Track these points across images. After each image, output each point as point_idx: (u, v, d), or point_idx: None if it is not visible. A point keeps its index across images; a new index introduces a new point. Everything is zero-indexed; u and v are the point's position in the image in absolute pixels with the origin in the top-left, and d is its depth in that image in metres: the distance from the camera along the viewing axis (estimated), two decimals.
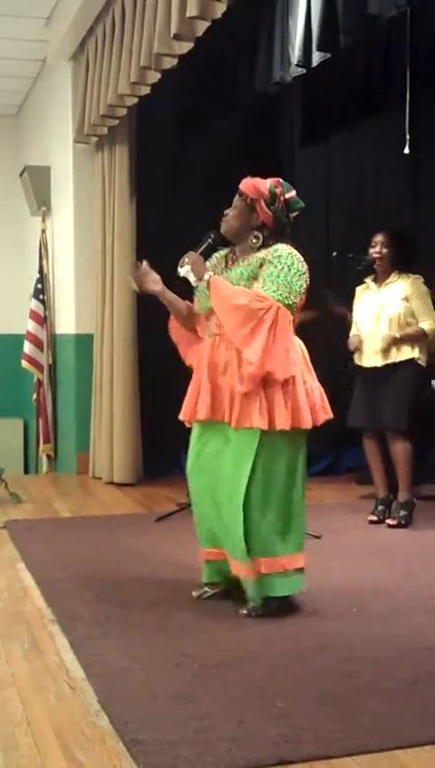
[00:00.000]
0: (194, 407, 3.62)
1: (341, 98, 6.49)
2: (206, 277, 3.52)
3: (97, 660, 3.07)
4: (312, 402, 3.53)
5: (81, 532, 5.14)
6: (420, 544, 4.86)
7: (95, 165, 6.86)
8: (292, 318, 3.49)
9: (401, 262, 5.32)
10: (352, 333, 5.47)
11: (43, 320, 7.73)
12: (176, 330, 3.87)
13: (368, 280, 5.45)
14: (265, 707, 2.69)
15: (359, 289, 5.53)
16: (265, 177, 3.66)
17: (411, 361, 5.23)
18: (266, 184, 3.60)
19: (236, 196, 3.65)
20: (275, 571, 3.51)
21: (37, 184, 7.81)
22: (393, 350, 5.21)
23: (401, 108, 5.26)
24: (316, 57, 4.68)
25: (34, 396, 7.89)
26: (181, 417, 3.70)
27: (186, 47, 4.91)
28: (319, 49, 4.61)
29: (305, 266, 3.53)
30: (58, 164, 7.58)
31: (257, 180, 3.61)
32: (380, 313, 5.26)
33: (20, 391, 8.95)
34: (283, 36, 4.94)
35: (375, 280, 5.39)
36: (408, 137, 5.13)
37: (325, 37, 4.50)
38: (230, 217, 3.65)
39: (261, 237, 3.57)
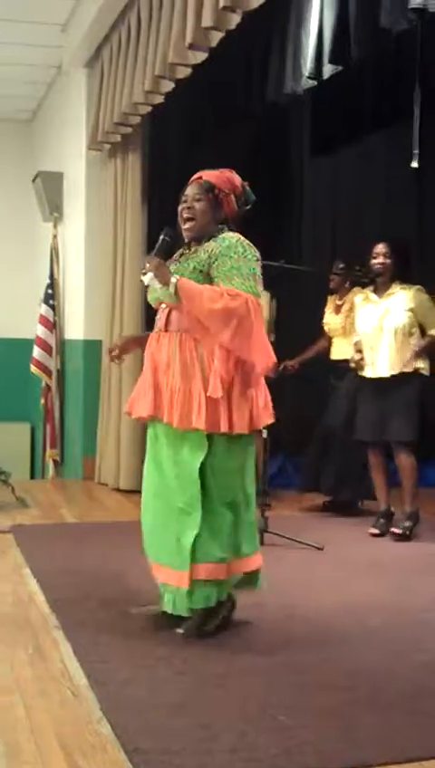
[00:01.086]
0: (136, 403, 3.49)
1: (351, 110, 6.52)
2: (173, 280, 3.28)
3: (100, 668, 3.08)
4: (256, 406, 3.37)
5: (86, 538, 5.16)
6: (422, 557, 4.87)
7: (108, 172, 6.89)
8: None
9: (402, 272, 5.33)
10: (354, 340, 5.47)
11: (53, 325, 7.76)
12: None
13: (367, 291, 5.46)
14: (266, 719, 2.70)
15: (358, 300, 5.53)
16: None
17: (417, 372, 5.24)
18: (238, 178, 3.47)
19: (198, 190, 3.41)
20: (215, 578, 3.36)
21: (50, 190, 7.85)
22: (400, 361, 5.22)
23: (410, 121, 5.28)
24: (328, 70, 4.72)
25: (42, 401, 7.92)
26: (125, 410, 3.61)
27: (200, 57, 4.94)
28: (331, 62, 4.65)
29: (256, 251, 3.38)
30: (71, 170, 7.61)
31: (227, 173, 3.46)
32: (382, 324, 5.26)
33: (28, 396, 8.98)
34: (295, 48, 4.97)
35: (375, 291, 5.39)
36: (416, 151, 5.13)
37: (337, 50, 4.53)
38: (199, 213, 3.40)
39: (224, 229, 3.41)
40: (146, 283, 3.38)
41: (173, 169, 6.85)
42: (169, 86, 5.43)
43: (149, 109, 5.94)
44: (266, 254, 5.69)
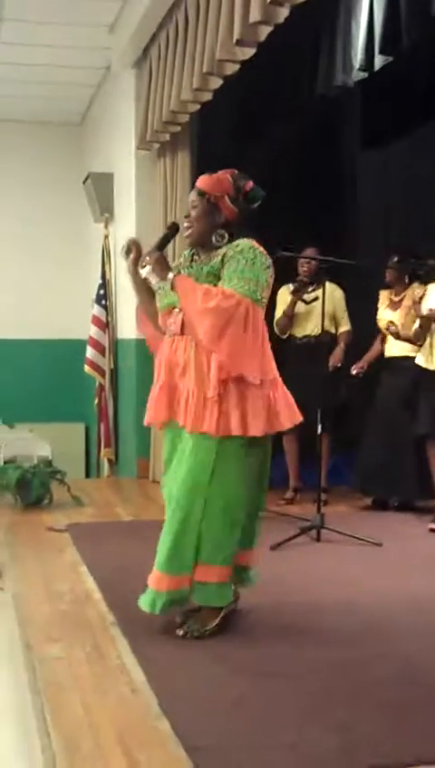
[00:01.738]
0: (153, 409, 3.46)
1: (402, 101, 6.44)
2: (170, 276, 3.27)
3: (157, 664, 3.09)
4: (272, 408, 3.31)
5: (141, 536, 5.13)
6: None
7: (157, 171, 6.90)
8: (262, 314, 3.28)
9: None
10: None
11: (105, 325, 7.80)
12: (144, 324, 3.71)
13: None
14: (324, 715, 2.67)
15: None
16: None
17: None
18: (229, 178, 3.38)
19: (195, 197, 3.39)
20: (216, 581, 3.34)
21: (100, 191, 7.89)
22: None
23: None
24: (378, 61, 4.67)
25: (96, 400, 7.96)
26: (144, 422, 3.55)
27: (248, 53, 4.92)
28: (381, 52, 4.59)
29: (269, 260, 3.31)
30: (121, 171, 7.64)
31: (217, 176, 3.39)
32: None
33: (82, 396, 9.04)
34: (345, 40, 4.93)
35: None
36: None
37: (388, 41, 4.49)
38: (194, 220, 3.38)
39: (226, 235, 3.34)
40: (143, 276, 3.36)
41: (222, 166, 6.81)
42: (217, 83, 5.42)
43: (197, 106, 5.94)
44: (321, 249, 5.71)
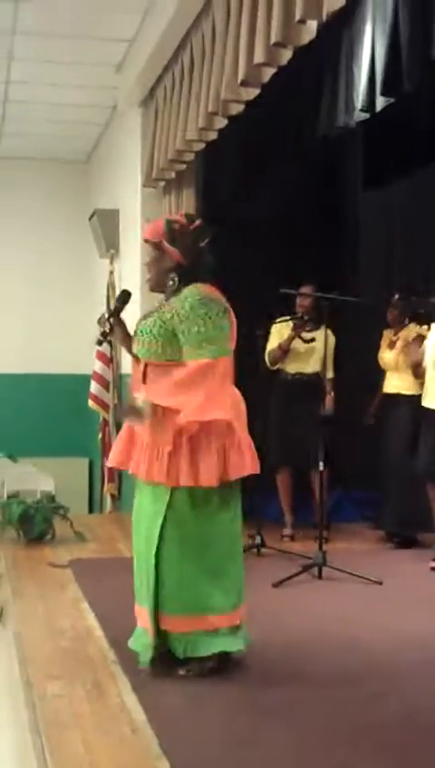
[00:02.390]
0: (112, 452, 3.57)
1: (403, 142, 6.50)
2: (144, 407, 3.33)
3: (159, 703, 3.08)
4: (229, 456, 3.29)
5: None
6: None
7: (163, 208, 6.95)
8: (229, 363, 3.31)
9: None
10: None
11: (110, 360, 7.83)
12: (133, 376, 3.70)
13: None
14: (325, 755, 2.66)
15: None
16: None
17: None
18: (161, 223, 3.47)
19: (148, 246, 3.51)
20: (199, 630, 3.30)
21: (106, 227, 7.95)
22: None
23: None
24: (380, 102, 4.71)
25: (100, 435, 7.97)
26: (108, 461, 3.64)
27: (252, 93, 4.98)
28: (383, 94, 4.64)
29: (222, 302, 3.35)
30: (127, 207, 7.71)
31: (153, 223, 3.54)
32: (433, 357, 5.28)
33: (86, 431, 9.05)
34: (347, 81, 4.98)
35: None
36: None
37: (389, 82, 4.51)
38: (148, 267, 3.52)
39: (177, 278, 3.39)
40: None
41: (227, 204, 6.91)
42: (222, 122, 5.48)
43: (202, 145, 5.99)
44: (322, 288, 5.75)
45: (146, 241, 3.49)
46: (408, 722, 2.95)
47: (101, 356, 7.87)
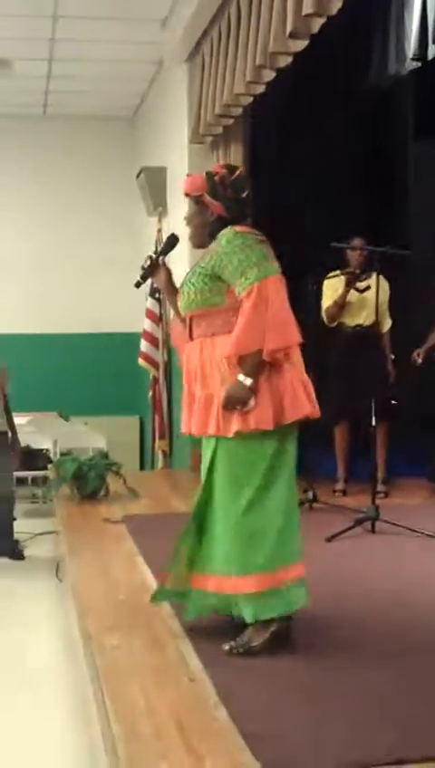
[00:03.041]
0: (182, 420, 3.47)
1: None
2: (247, 383, 3.12)
3: (215, 654, 3.11)
4: (280, 399, 3.16)
5: None
6: None
7: (210, 164, 6.89)
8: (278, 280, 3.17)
9: None
10: None
11: (159, 318, 7.85)
12: (177, 336, 3.62)
13: None
14: (383, 707, 2.68)
15: None
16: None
17: None
18: (203, 175, 3.37)
19: (188, 200, 3.42)
20: (269, 587, 3.14)
21: (154, 185, 7.93)
22: None
23: None
24: (432, 50, 4.63)
25: (150, 393, 8.02)
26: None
27: (301, 45, 4.91)
28: None
29: (255, 232, 3.26)
30: (174, 164, 7.68)
31: (192, 176, 3.44)
32: None
33: (137, 389, 9.11)
34: (398, 30, 4.91)
35: None
36: None
37: None
38: (189, 223, 3.44)
39: (218, 229, 3.30)
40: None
41: (275, 158, 6.85)
42: (270, 75, 5.41)
43: (250, 99, 5.94)
44: (373, 239, 5.69)
45: (186, 195, 3.41)
46: None
47: (150, 314, 7.90)
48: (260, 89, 5.67)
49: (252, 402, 3.12)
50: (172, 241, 3.65)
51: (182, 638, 3.31)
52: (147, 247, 8.59)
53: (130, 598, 3.85)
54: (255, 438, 3.17)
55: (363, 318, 5.96)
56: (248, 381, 3.12)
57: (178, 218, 7.46)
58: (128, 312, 9.12)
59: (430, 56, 4.69)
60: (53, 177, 9.50)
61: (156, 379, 7.92)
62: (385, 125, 7.50)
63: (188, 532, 3.33)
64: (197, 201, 3.37)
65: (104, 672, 3.01)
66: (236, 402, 3.13)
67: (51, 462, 7.08)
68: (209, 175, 3.36)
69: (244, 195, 3.36)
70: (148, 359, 7.90)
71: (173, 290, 3.55)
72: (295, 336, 3.17)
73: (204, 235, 3.38)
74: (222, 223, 3.31)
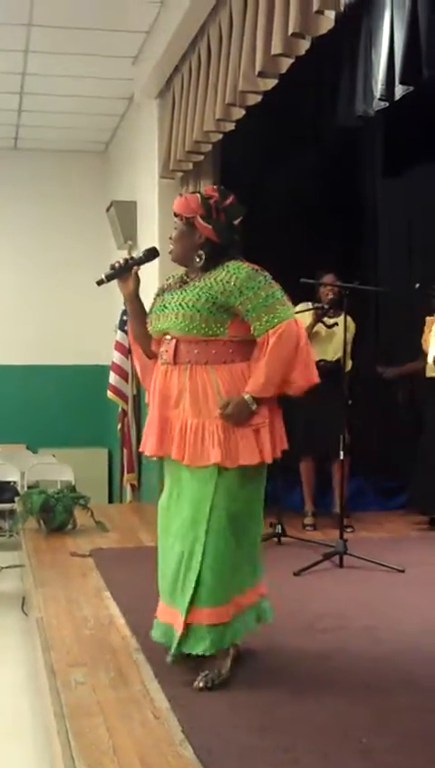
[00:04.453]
0: (146, 439, 3.38)
1: (423, 130, 6.49)
2: (247, 399, 3.17)
3: (180, 689, 3.10)
4: (277, 433, 3.26)
5: None
6: None
7: None
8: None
9: None
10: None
11: (128, 351, 7.85)
12: (137, 354, 3.59)
13: None
14: (349, 742, 2.68)
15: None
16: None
17: None
18: (197, 197, 3.32)
19: (176, 219, 3.37)
20: (218, 622, 3.16)
21: (124, 218, 7.97)
22: None
23: None
24: (399, 90, 4.71)
25: (119, 426, 8.00)
26: (141, 449, 3.46)
27: (270, 84, 4.97)
28: (402, 82, 4.63)
29: (266, 272, 3.28)
30: (144, 199, 7.73)
31: (187, 197, 3.36)
32: None
33: (105, 421, 9.09)
34: (366, 70, 4.99)
35: None
36: None
37: (408, 70, 4.51)
38: (173, 242, 3.37)
39: (203, 255, 3.29)
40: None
41: (245, 194, 6.88)
42: (239, 113, 5.48)
43: (219, 136, 5.99)
44: (342, 275, 5.76)
45: (176, 215, 3.35)
46: (431, 708, 2.96)
47: (119, 347, 7.90)
48: (230, 126, 5.73)
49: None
50: (151, 254, 3.56)
51: (148, 673, 3.29)
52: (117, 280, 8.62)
53: (97, 633, 3.82)
54: (255, 470, 3.23)
55: (330, 354, 6.00)
56: (254, 407, 3.18)
57: None
58: (96, 344, 9.14)
59: (397, 96, 4.77)
60: (23, 209, 9.51)
61: (124, 412, 7.91)
62: (355, 163, 7.61)
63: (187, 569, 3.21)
64: (187, 222, 3.32)
65: (69, 708, 2.98)
66: (235, 422, 3.17)
67: (18, 495, 7.03)
68: (204, 198, 3.31)
69: (235, 222, 3.34)
70: (116, 391, 7.89)
71: (136, 300, 3.52)
72: (317, 375, 3.29)
73: (188, 255, 3.33)
74: (210, 247, 3.29)
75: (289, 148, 6.54)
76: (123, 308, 7.92)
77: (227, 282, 3.21)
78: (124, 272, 3.50)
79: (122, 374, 7.87)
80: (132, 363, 7.79)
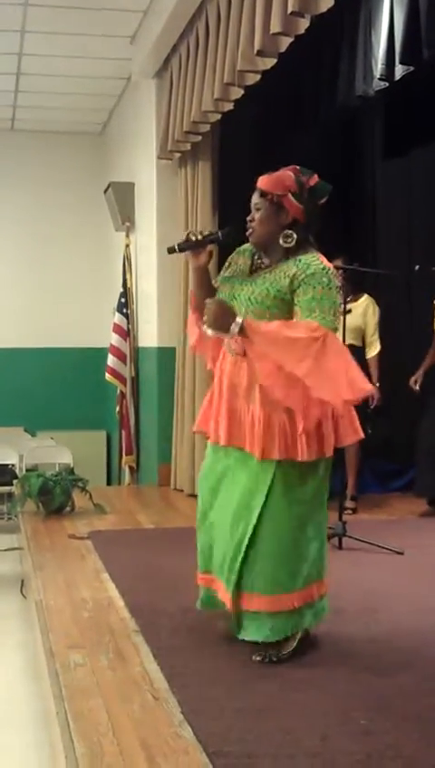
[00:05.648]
0: (215, 428, 3.34)
1: (424, 111, 6.44)
2: (239, 321, 3.05)
3: (180, 671, 3.10)
4: (336, 425, 3.20)
5: (163, 543, 5.20)
6: None
7: (178, 180, 6.94)
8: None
9: None
10: None
11: (127, 333, 7.84)
12: (195, 322, 3.44)
13: None
14: (348, 724, 2.68)
15: None
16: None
17: None
18: (291, 175, 3.17)
19: (258, 198, 3.20)
20: (279, 610, 3.18)
21: (121, 200, 7.94)
22: None
23: None
24: (399, 70, 4.67)
25: (117, 408, 8.00)
26: (194, 428, 3.39)
27: (269, 63, 4.94)
28: (402, 62, 4.60)
29: (338, 279, 3.23)
30: (142, 180, 7.69)
31: (279, 174, 3.19)
32: None
33: (103, 404, 9.09)
34: (365, 50, 4.95)
35: None
36: None
37: (408, 50, 4.48)
38: (257, 224, 3.20)
39: (294, 236, 3.15)
40: (209, 334, 3.18)
41: (243, 176, 6.84)
42: (238, 93, 5.44)
43: (218, 116, 5.96)
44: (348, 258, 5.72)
45: (264, 193, 3.18)
46: (429, 691, 2.96)
47: (118, 329, 7.89)
48: (228, 106, 5.70)
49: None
50: (231, 234, 3.35)
51: (147, 655, 3.29)
52: (115, 261, 8.61)
53: (96, 615, 3.82)
54: (315, 464, 3.19)
55: (346, 341, 5.96)
56: (235, 331, 3.03)
57: (145, 234, 7.52)
58: (95, 326, 9.12)
59: (397, 77, 4.74)
60: (20, 190, 9.47)
61: (123, 394, 7.90)
62: (355, 145, 7.56)
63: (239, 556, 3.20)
64: (275, 201, 3.16)
65: (68, 690, 2.98)
66: (210, 319, 3.07)
67: (16, 477, 7.03)
68: (298, 175, 3.18)
69: (321, 201, 3.23)
70: (115, 373, 7.88)
71: (205, 273, 3.38)
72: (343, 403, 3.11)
73: (273, 237, 3.19)
74: (296, 227, 3.17)
75: (289, 130, 6.49)
76: (121, 290, 7.92)
77: (295, 276, 3.11)
78: (199, 247, 3.34)
79: (121, 356, 7.85)
80: (130, 345, 7.79)
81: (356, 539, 4.90)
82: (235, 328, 3.05)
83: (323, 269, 3.13)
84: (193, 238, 3.36)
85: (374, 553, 4.83)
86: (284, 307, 3.14)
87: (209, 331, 3.15)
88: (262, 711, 2.77)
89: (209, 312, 3.11)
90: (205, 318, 3.13)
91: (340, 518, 4.99)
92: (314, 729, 2.63)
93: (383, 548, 4.86)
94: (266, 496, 3.15)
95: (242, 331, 3.05)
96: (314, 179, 3.22)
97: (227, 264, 3.44)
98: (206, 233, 3.39)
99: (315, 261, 3.15)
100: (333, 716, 2.73)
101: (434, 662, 3.23)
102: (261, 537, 3.16)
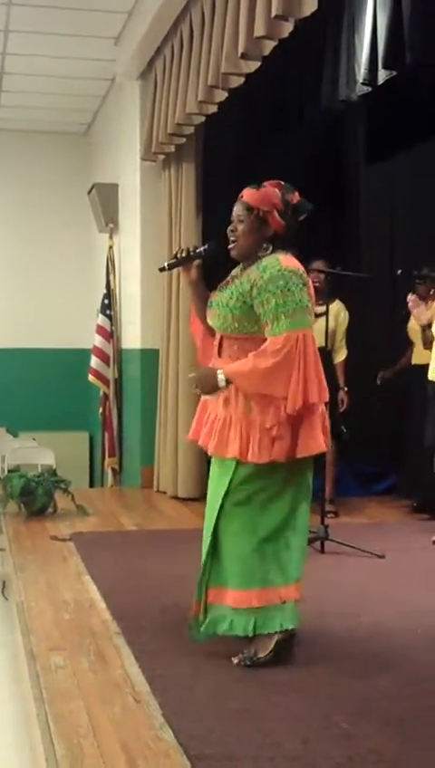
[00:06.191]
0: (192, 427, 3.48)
1: (406, 115, 6.47)
2: (221, 378, 3.17)
3: (161, 674, 3.10)
4: (304, 433, 3.19)
5: (145, 545, 5.19)
6: None
7: (162, 182, 6.94)
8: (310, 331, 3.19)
9: None
10: None
11: (110, 335, 7.84)
12: (199, 333, 3.53)
13: None
14: (329, 727, 2.69)
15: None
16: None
17: None
18: (277, 192, 3.24)
19: (241, 211, 3.26)
20: (239, 606, 3.21)
21: (105, 201, 7.94)
22: None
23: None
24: (382, 75, 4.70)
25: (100, 410, 7.99)
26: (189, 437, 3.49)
27: (253, 66, 4.95)
28: (385, 67, 4.63)
29: (301, 273, 3.19)
30: (126, 181, 7.69)
31: (265, 190, 3.25)
32: None
33: (86, 405, 9.08)
34: (349, 54, 4.97)
35: None
36: None
37: (391, 55, 4.51)
38: (240, 236, 3.26)
39: (271, 248, 3.22)
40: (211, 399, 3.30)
41: (227, 179, 6.87)
42: (222, 96, 5.45)
43: (202, 119, 5.97)
44: (328, 262, 5.73)
45: (250, 208, 3.24)
46: (411, 694, 2.97)
47: (101, 330, 7.88)
48: (212, 108, 5.71)
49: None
50: (215, 249, 3.43)
51: (128, 657, 3.29)
52: (98, 263, 8.59)
53: (77, 617, 3.81)
54: (271, 468, 3.19)
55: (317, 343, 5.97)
56: (223, 383, 3.16)
57: (129, 235, 7.52)
58: (78, 327, 9.11)
59: (380, 81, 4.76)
60: (3, 190, 9.45)
61: (106, 396, 7.90)
62: (338, 149, 7.58)
63: (208, 554, 3.29)
64: (260, 216, 3.23)
65: (48, 692, 2.98)
66: (201, 386, 3.23)
67: None
68: (283, 192, 3.24)
69: (301, 218, 3.29)
70: (98, 375, 7.87)
71: (198, 286, 3.46)
72: (327, 394, 3.23)
73: (254, 249, 3.25)
74: (275, 240, 3.23)
75: (272, 132, 6.51)
76: (104, 291, 7.91)
77: (256, 280, 3.17)
78: (186, 262, 3.46)
79: (104, 358, 7.84)
80: (114, 347, 7.79)
81: (338, 542, 4.92)
82: (221, 382, 3.18)
83: (279, 271, 3.15)
84: (180, 256, 3.47)
85: (356, 557, 4.84)
86: (246, 308, 3.19)
87: (209, 397, 3.30)
88: (243, 714, 2.78)
89: (198, 383, 3.26)
90: (199, 390, 3.28)
91: (322, 521, 5.00)
92: (295, 732, 2.64)
93: (365, 551, 4.87)
94: (223, 497, 3.22)
95: (228, 380, 3.17)
96: (296, 197, 3.28)
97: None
98: (191, 248, 3.49)
99: (273, 263, 3.18)
100: (315, 719, 2.74)
101: (416, 665, 3.24)
102: (220, 534, 3.25)
